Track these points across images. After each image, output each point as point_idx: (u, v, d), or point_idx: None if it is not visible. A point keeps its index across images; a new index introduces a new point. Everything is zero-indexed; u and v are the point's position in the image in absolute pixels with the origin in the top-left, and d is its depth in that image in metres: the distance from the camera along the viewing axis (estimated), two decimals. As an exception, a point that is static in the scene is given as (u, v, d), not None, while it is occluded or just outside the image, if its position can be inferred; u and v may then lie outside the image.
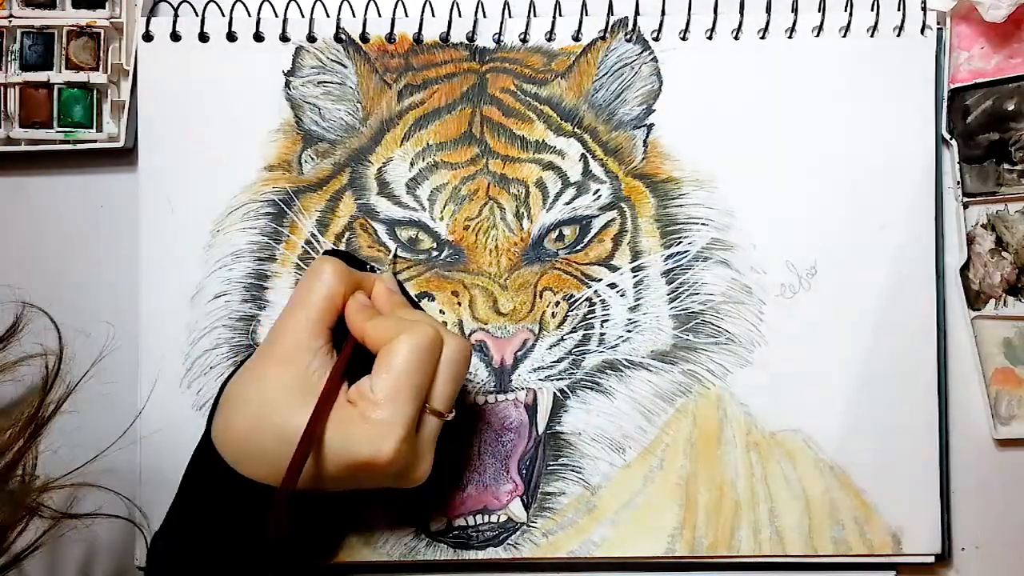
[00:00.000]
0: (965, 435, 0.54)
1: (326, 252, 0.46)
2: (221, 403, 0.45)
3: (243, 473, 0.43)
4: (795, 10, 0.54)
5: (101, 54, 0.54)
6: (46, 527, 0.44)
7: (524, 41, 0.54)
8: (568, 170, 0.53)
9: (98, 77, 0.53)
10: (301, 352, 0.43)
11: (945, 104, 0.54)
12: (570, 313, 0.53)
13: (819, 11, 0.54)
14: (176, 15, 0.54)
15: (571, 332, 0.53)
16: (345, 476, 0.42)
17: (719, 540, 0.53)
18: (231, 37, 0.54)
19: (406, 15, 0.54)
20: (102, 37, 0.54)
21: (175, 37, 0.54)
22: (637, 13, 0.54)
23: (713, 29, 0.54)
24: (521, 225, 0.53)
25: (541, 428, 0.53)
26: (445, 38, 0.54)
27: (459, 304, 0.53)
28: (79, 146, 0.54)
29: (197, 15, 0.54)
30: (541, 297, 0.53)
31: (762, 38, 0.54)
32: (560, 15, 0.54)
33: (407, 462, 0.43)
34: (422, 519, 0.53)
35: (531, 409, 0.53)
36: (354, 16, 0.54)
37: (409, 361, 0.42)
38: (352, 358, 0.44)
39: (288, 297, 0.52)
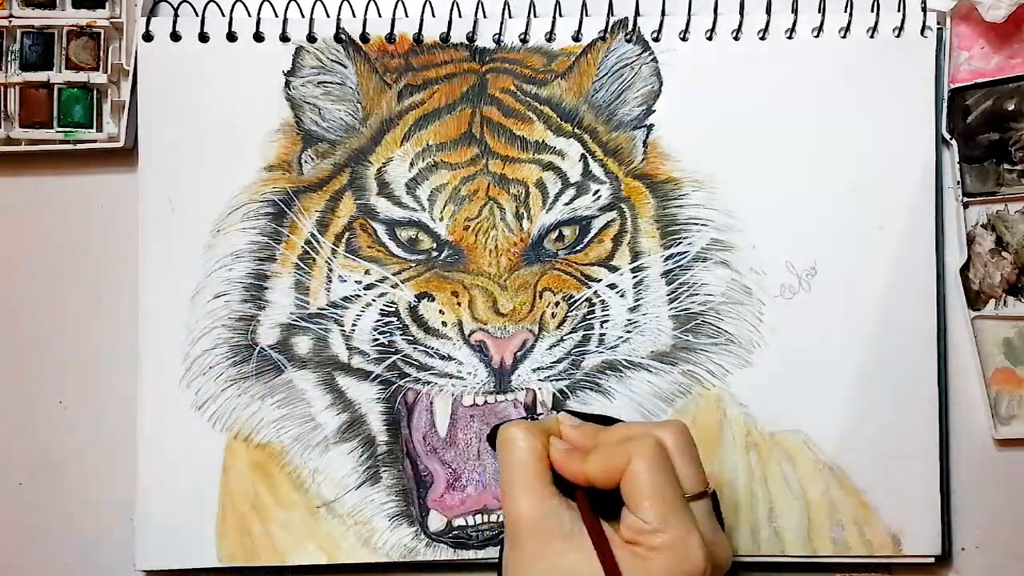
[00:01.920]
0: (965, 435, 0.54)
1: (495, 428, 0.47)
2: None
3: None
4: (795, 11, 0.54)
5: (101, 54, 0.54)
6: None
7: (524, 41, 0.54)
8: (568, 170, 0.53)
9: (98, 77, 0.53)
10: (547, 522, 0.43)
11: (945, 104, 0.54)
12: (570, 313, 0.53)
13: (819, 12, 0.54)
14: (176, 15, 0.54)
15: (571, 332, 0.53)
16: None
17: (719, 540, 0.53)
18: (231, 37, 0.54)
19: (406, 15, 0.54)
20: (102, 37, 0.54)
21: (175, 37, 0.54)
22: (637, 14, 0.54)
23: (713, 30, 0.54)
24: (521, 225, 0.53)
25: (541, 428, 0.53)
26: (445, 38, 0.54)
27: (459, 304, 0.53)
28: (79, 146, 0.54)
29: (197, 15, 0.54)
30: (541, 297, 0.53)
31: (762, 39, 0.54)
32: (560, 15, 0.54)
33: (714, 557, 0.42)
34: (422, 520, 0.53)
35: (531, 409, 0.53)
36: (354, 16, 0.54)
37: (655, 478, 0.42)
38: (591, 501, 0.43)
39: (288, 297, 0.53)
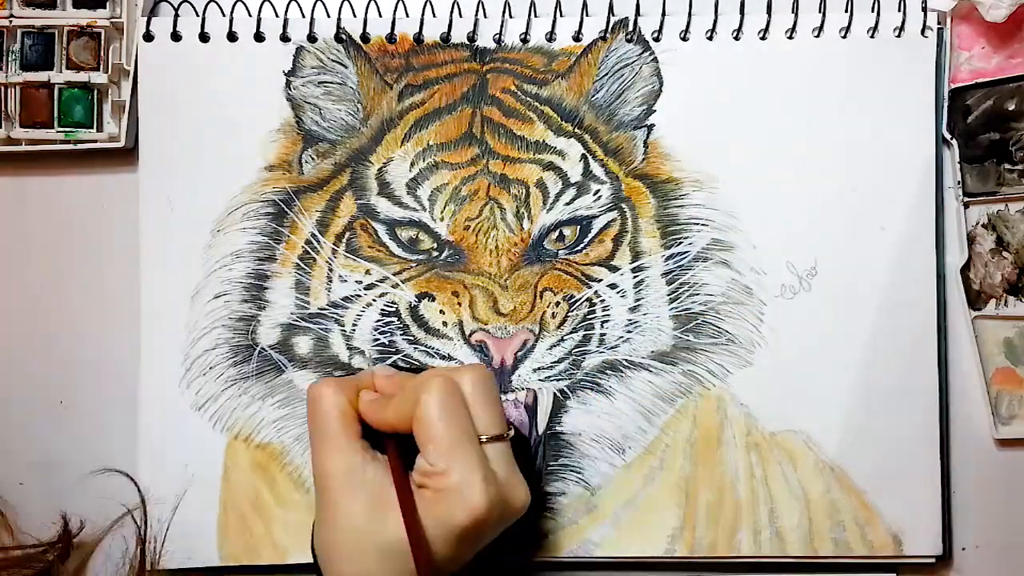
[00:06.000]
0: (965, 435, 0.54)
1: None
2: (321, 564, 0.43)
3: None
4: (795, 11, 0.54)
5: (102, 54, 0.54)
6: None
7: (525, 41, 0.54)
8: (568, 170, 0.53)
9: (99, 77, 0.53)
10: (351, 474, 0.42)
11: (946, 104, 0.54)
12: (570, 313, 0.53)
13: (819, 12, 0.54)
14: (177, 15, 0.54)
15: (571, 332, 0.53)
16: (462, 548, 0.41)
17: (719, 540, 0.53)
18: (232, 37, 0.54)
19: (407, 15, 0.54)
20: (103, 37, 0.54)
21: (176, 37, 0.54)
22: (638, 13, 0.54)
23: (714, 30, 0.54)
24: (521, 225, 0.53)
25: (541, 428, 0.53)
26: (446, 38, 0.54)
27: (459, 304, 0.53)
28: (79, 146, 0.54)
29: (198, 15, 0.54)
30: (541, 297, 0.53)
31: (762, 39, 0.54)
32: (561, 15, 0.54)
33: (502, 499, 0.42)
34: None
35: (531, 409, 0.53)
36: (355, 16, 0.54)
37: (440, 417, 0.41)
38: (400, 449, 0.43)
39: (288, 297, 0.53)
